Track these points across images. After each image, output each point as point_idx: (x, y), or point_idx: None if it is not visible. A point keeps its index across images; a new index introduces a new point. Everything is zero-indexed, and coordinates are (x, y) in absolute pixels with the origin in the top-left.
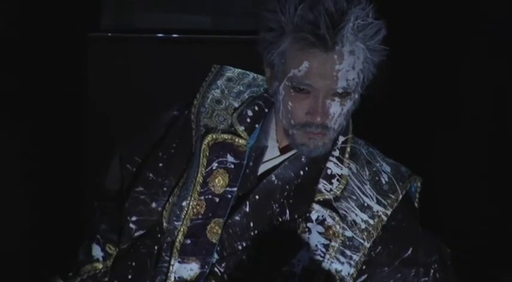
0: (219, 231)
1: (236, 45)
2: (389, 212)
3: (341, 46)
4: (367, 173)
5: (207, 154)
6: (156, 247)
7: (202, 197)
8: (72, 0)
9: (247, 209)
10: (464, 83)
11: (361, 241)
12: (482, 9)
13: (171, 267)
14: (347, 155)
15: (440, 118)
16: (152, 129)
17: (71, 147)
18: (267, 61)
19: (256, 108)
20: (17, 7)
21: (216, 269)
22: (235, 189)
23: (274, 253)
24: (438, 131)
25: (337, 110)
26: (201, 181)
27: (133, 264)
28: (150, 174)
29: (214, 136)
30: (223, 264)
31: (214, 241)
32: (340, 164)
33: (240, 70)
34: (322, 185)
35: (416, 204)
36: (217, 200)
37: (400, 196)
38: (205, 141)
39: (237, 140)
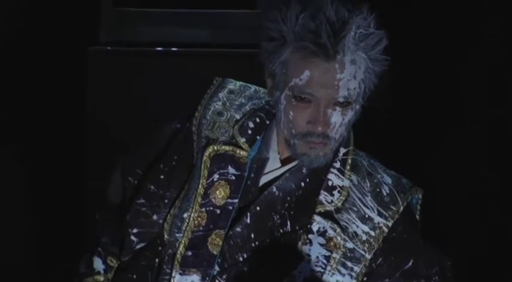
0: (220, 243)
1: (235, 58)
2: (390, 224)
3: (342, 55)
4: (368, 185)
5: (208, 165)
6: (157, 260)
7: (203, 209)
8: (72, 14)
9: (248, 221)
10: (464, 95)
11: (362, 253)
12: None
13: (172, 280)
14: (348, 167)
15: (440, 130)
16: (154, 142)
17: (71, 158)
18: (269, 71)
19: (258, 120)
20: (18, 21)
21: (217, 280)
22: (236, 200)
23: (275, 265)
24: (439, 143)
25: (338, 120)
26: (202, 193)
27: (134, 276)
28: (152, 187)
29: (215, 148)
30: (224, 276)
31: (215, 253)
32: (341, 176)
33: (241, 83)
34: (323, 196)
35: (417, 216)
36: (218, 211)
37: (401, 208)
38: (207, 153)
39: (238, 151)
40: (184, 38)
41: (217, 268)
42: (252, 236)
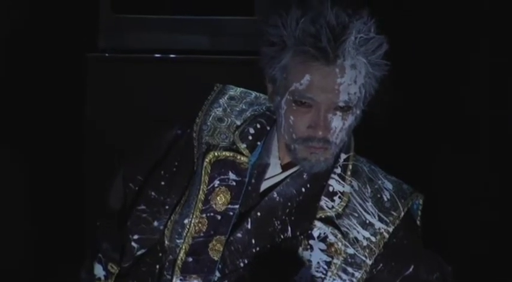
0: (221, 249)
1: (234, 65)
2: (391, 229)
3: (342, 59)
4: (369, 191)
5: (209, 171)
6: (157, 266)
7: (204, 215)
8: (71, 21)
9: (249, 226)
10: (464, 99)
11: (363, 258)
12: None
13: None
14: (349, 173)
15: (440, 135)
16: (154, 148)
17: (70, 165)
18: (269, 76)
19: (258, 125)
20: (17, 27)
21: None
22: (237, 206)
23: (276, 270)
24: (439, 148)
25: (338, 124)
26: (202, 199)
27: None
28: (152, 193)
29: (216, 153)
30: None
31: (216, 259)
32: (342, 182)
33: (242, 89)
34: (324, 202)
35: (418, 222)
36: (219, 217)
37: (402, 213)
38: (207, 159)
39: (238, 157)
40: (182, 45)
41: (218, 274)
42: (253, 241)
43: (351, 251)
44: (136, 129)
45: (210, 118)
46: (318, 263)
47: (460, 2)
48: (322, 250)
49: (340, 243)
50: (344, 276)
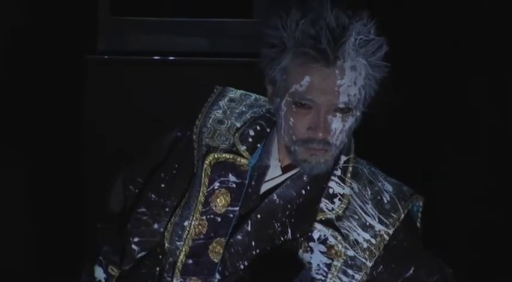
0: (221, 251)
1: (233, 67)
2: (391, 231)
3: (342, 61)
4: (369, 193)
5: (209, 173)
6: (157, 268)
7: (204, 217)
8: (70, 23)
9: (249, 228)
10: (465, 101)
11: (363, 260)
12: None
13: None
14: (349, 175)
15: (440, 137)
16: (154, 150)
17: (70, 166)
18: (269, 78)
19: (258, 128)
20: (17, 30)
21: None
22: (237, 208)
23: (276, 272)
24: (439, 150)
25: (338, 126)
26: (202, 201)
27: None
28: (153, 195)
29: (216, 155)
30: None
31: (216, 261)
32: (342, 184)
33: (242, 91)
34: (324, 204)
35: (418, 224)
36: (219, 219)
37: (402, 215)
38: (207, 161)
39: (238, 159)
40: (182, 47)
41: (218, 276)
42: (253, 243)
43: (351, 253)
44: (136, 131)
45: (210, 120)
46: (318, 265)
47: (460, 2)
48: (322, 252)
49: (340, 245)
50: (344, 278)
